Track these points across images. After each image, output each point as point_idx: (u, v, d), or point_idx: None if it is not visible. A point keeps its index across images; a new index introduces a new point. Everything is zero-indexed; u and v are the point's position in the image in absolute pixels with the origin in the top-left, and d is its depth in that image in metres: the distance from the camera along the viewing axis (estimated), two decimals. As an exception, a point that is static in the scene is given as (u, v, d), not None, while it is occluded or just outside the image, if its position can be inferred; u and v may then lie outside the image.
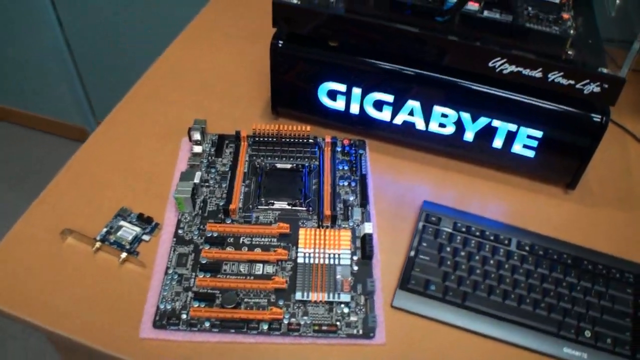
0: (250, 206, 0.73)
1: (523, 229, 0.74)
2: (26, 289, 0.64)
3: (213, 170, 0.76)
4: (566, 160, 0.76)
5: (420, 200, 0.76)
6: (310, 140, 0.79)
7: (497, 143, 0.76)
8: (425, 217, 0.73)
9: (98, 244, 0.67)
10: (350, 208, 0.74)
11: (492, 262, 0.70)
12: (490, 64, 0.69)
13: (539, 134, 0.73)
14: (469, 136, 0.76)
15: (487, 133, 0.75)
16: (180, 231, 0.70)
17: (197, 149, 0.78)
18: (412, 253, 0.70)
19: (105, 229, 0.70)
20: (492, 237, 0.72)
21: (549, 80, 0.68)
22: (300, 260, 0.67)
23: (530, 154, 0.76)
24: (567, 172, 0.77)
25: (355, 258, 0.69)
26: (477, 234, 0.72)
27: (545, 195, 0.79)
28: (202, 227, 0.70)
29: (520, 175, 0.81)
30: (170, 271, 0.66)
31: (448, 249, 0.70)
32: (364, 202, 0.74)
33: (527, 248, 0.71)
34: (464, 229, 0.72)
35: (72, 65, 1.75)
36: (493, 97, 0.72)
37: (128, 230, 0.69)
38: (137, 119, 0.84)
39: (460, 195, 0.78)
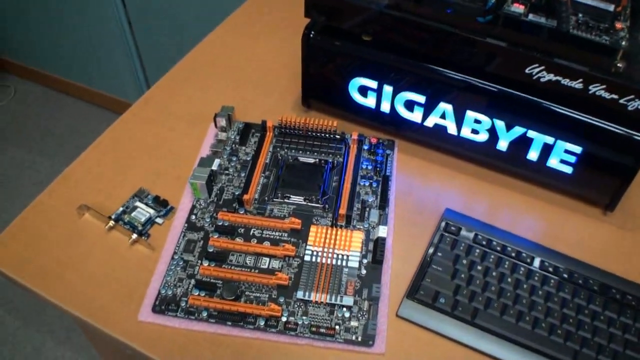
0: (266, 198, 0.72)
1: (549, 249, 0.69)
2: (39, 260, 0.66)
3: (235, 159, 0.76)
4: (606, 179, 0.70)
5: (443, 207, 0.73)
6: (337, 136, 0.77)
7: (532, 155, 0.72)
8: (445, 226, 0.70)
9: (112, 223, 0.68)
10: (367, 209, 0.71)
11: (509, 280, 0.66)
12: (527, 71, 0.65)
13: (577, 149, 0.68)
14: (502, 145, 0.72)
15: (522, 144, 0.71)
16: (192, 217, 0.70)
17: (222, 135, 0.77)
18: (426, 262, 0.67)
19: (121, 209, 0.70)
20: (513, 254, 0.68)
21: (590, 92, 0.63)
22: (307, 258, 0.65)
23: (568, 169, 0.71)
24: (606, 192, 0.71)
25: (365, 261, 0.66)
26: (498, 248, 0.68)
27: (581, 215, 0.74)
28: (215, 215, 0.70)
29: (555, 191, 0.76)
30: (176, 257, 0.66)
31: (464, 261, 0.67)
32: (382, 204, 0.71)
33: (550, 269, 0.67)
34: (484, 242, 0.68)
35: (132, 43, 1.80)
36: (530, 105, 0.67)
37: (142, 212, 0.70)
38: (170, 101, 0.85)
39: (489, 207, 0.74)
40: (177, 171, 0.75)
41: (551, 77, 0.64)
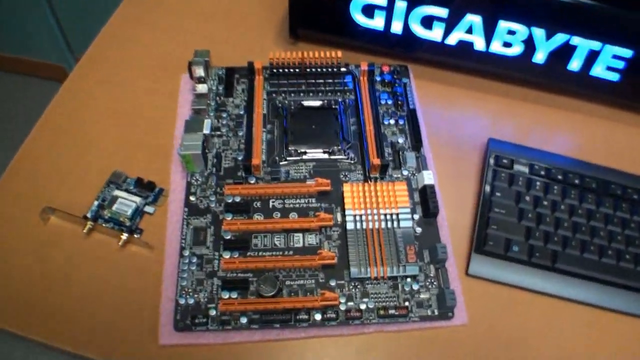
0: (277, 158, 0.58)
1: (610, 168, 0.60)
2: (7, 293, 0.50)
3: (224, 115, 0.61)
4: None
5: (482, 137, 0.62)
6: (343, 69, 0.64)
7: (574, 65, 0.61)
8: (495, 160, 0.59)
9: (90, 224, 0.53)
10: (400, 153, 0.59)
11: (580, 211, 0.57)
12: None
13: (627, 53, 0.59)
14: (539, 57, 0.61)
15: (563, 53, 0.60)
16: (192, 198, 0.55)
17: (202, 88, 0.61)
18: (484, 206, 0.57)
19: (96, 203, 0.54)
20: (577, 181, 0.58)
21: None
22: (349, 225, 0.53)
23: (614, 77, 0.61)
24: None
25: (416, 217, 0.55)
26: (559, 177, 0.58)
27: (632, 127, 0.66)
28: (219, 190, 0.56)
29: (600, 103, 0.67)
30: (186, 252, 0.52)
31: (527, 198, 0.57)
32: (417, 144, 0.59)
33: (618, 192, 0.58)
34: (542, 172, 0.59)
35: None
36: (577, 7, 0.56)
37: (126, 202, 0.55)
38: (123, 54, 0.67)
39: (530, 129, 0.64)
40: (155, 140, 0.60)
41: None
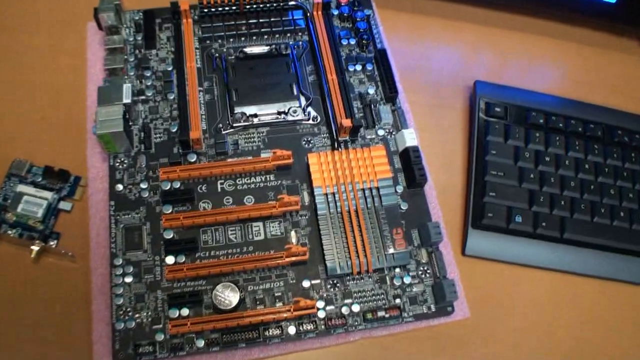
0: (221, 126, 0.46)
1: (613, 109, 0.52)
2: None
3: (148, 74, 0.47)
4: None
5: (465, 78, 0.52)
6: (291, 3, 0.51)
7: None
8: (486, 108, 0.49)
9: (-11, 234, 0.40)
10: (372, 106, 0.48)
11: (587, 166, 0.48)
12: None
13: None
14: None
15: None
16: (118, 187, 0.43)
17: (114, 40, 0.47)
18: (478, 168, 0.47)
19: (-5, 203, 0.42)
20: (580, 129, 0.49)
21: None
22: (321, 208, 0.42)
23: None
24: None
25: (399, 190, 0.45)
26: (560, 125, 0.49)
27: (629, 54, 0.57)
28: (152, 173, 0.44)
29: (594, 28, 0.57)
30: (118, 261, 0.40)
31: (527, 154, 0.48)
32: (391, 94, 0.48)
33: (625, 139, 0.50)
34: (541, 120, 0.49)
35: None
36: None
37: (34, 200, 0.42)
38: (12, 8, 0.51)
39: (519, 63, 0.54)
40: (64, 115, 0.46)
41: None
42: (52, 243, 0.41)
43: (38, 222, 0.41)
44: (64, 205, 0.43)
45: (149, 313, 0.39)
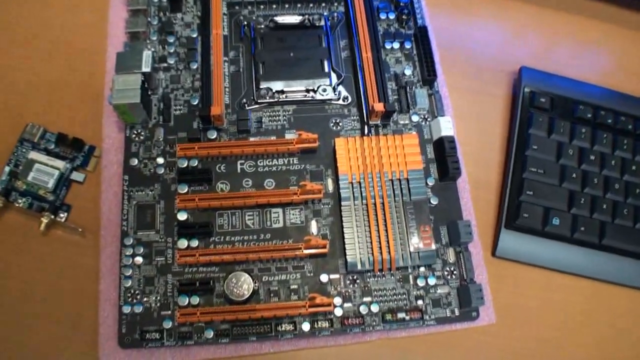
0: (245, 101, 0.43)
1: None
2: None
3: (171, 40, 0.44)
4: None
5: (510, 62, 0.48)
6: (328, -29, 0.47)
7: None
8: (530, 98, 0.45)
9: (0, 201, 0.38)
10: (408, 89, 0.45)
11: (634, 167, 0.45)
12: None
13: None
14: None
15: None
16: (133, 160, 0.40)
17: (139, 1, 0.44)
18: (516, 163, 0.44)
19: (7, 169, 0.40)
20: (630, 126, 0.46)
21: None
22: (345, 197, 0.40)
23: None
24: None
25: (430, 182, 0.42)
26: (610, 120, 0.46)
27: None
28: (169, 148, 0.41)
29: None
30: (129, 240, 0.38)
31: (570, 151, 0.44)
32: (430, 77, 0.45)
33: (681, 138, 0.46)
34: (589, 115, 0.46)
35: None
36: None
37: (45, 169, 0.40)
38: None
39: (564, 49, 0.50)
40: (79, 78, 0.44)
41: None
42: (62, 216, 0.39)
43: (49, 193, 0.39)
44: (77, 176, 0.41)
45: (158, 298, 0.37)
